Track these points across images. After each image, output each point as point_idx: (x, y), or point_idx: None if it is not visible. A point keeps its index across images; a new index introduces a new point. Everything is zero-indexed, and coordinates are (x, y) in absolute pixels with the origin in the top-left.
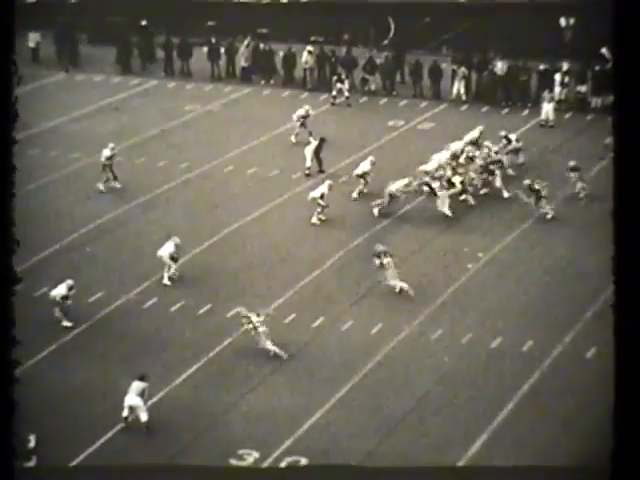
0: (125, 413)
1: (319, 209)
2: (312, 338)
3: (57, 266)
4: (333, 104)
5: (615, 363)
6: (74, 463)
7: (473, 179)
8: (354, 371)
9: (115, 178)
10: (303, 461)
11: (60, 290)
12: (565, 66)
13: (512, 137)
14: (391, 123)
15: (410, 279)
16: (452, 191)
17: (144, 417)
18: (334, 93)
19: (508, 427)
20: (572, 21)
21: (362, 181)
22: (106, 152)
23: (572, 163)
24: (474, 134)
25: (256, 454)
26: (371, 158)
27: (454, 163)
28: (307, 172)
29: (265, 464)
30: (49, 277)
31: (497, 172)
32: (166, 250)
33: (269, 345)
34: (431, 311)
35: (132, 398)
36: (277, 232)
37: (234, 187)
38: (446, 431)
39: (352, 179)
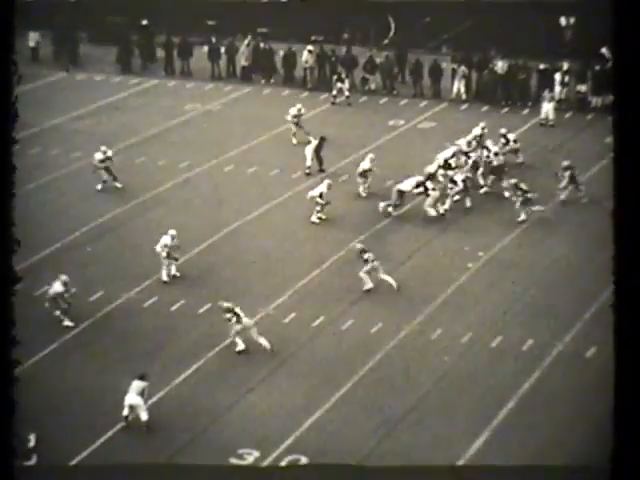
0: (125, 412)
1: (318, 208)
2: (312, 337)
3: (57, 266)
4: (333, 103)
5: (615, 363)
6: (74, 462)
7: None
8: (354, 370)
9: (115, 179)
10: (303, 460)
11: (55, 287)
12: (565, 65)
13: (510, 137)
14: (391, 122)
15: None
16: (455, 190)
17: (144, 416)
18: (334, 92)
19: (508, 426)
20: (572, 20)
21: (363, 179)
22: (98, 155)
23: (565, 163)
24: (477, 131)
25: (256, 453)
26: (370, 155)
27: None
28: (307, 171)
29: (265, 463)
30: (49, 277)
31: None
32: (162, 243)
33: (255, 335)
34: (431, 310)
35: (132, 397)
36: (277, 231)
37: (234, 186)
38: (446, 430)
39: (353, 179)
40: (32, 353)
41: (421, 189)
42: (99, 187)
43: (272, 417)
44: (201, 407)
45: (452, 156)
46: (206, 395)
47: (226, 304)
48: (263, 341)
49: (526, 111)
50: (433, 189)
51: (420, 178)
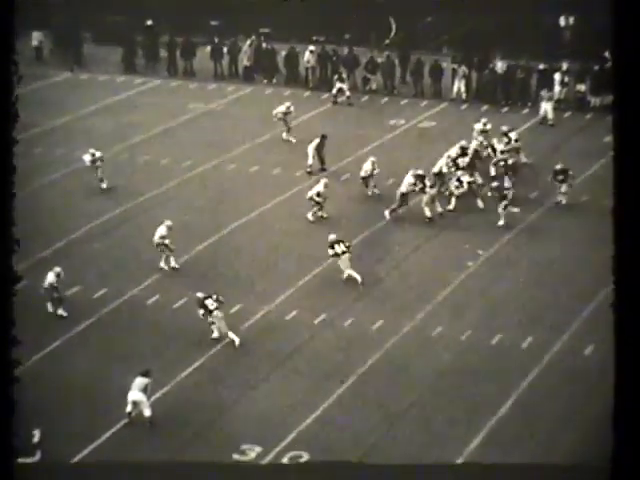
0: (129, 409)
1: (316, 207)
2: (313, 334)
3: (60, 263)
4: (335, 103)
5: (615, 361)
6: (77, 459)
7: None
8: (355, 367)
9: (101, 180)
10: (305, 456)
11: (49, 278)
12: (565, 65)
13: (512, 135)
14: (392, 122)
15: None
16: (459, 191)
17: (147, 413)
18: (334, 92)
19: (508, 424)
20: (571, 20)
21: (367, 182)
22: (87, 157)
23: (558, 166)
24: (478, 126)
25: (258, 449)
26: (372, 158)
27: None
28: (309, 170)
29: (267, 459)
30: None
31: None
32: (158, 234)
33: (223, 327)
34: (431, 308)
35: (135, 394)
36: (279, 229)
37: (237, 185)
38: (446, 428)
39: (354, 178)
40: (32, 353)
41: (420, 186)
42: (104, 185)
43: (274, 413)
44: (204, 403)
45: (459, 155)
46: (209, 391)
47: (198, 294)
48: (232, 335)
49: (526, 111)
50: (431, 187)
51: (413, 172)
